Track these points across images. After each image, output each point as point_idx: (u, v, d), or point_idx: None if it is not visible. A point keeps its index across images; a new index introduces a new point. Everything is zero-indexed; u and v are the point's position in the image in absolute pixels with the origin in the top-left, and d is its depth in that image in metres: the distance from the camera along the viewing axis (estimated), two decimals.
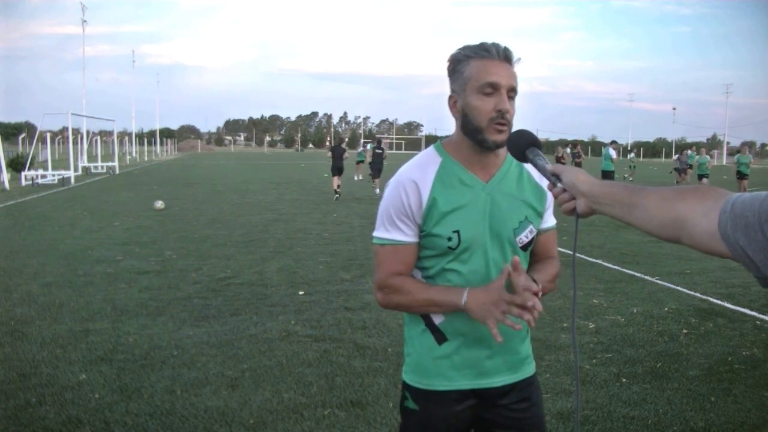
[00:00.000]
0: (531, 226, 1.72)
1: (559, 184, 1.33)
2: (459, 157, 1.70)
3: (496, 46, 1.64)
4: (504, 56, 1.63)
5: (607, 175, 19.72)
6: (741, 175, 20.00)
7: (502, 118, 1.60)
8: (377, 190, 19.18)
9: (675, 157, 35.68)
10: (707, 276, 7.41)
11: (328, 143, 23.31)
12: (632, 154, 37.67)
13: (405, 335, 1.82)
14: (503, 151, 1.72)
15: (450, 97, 1.69)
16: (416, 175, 1.68)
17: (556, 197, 1.34)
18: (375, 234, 1.74)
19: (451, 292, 1.64)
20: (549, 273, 1.78)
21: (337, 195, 17.48)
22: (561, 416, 3.64)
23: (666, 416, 3.67)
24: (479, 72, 1.61)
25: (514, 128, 1.59)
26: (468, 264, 1.67)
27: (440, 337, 1.71)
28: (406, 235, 1.69)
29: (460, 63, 1.66)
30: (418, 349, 1.75)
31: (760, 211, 0.93)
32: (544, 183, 1.76)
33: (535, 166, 1.47)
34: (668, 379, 4.23)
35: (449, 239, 1.65)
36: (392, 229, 1.70)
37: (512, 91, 1.63)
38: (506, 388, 1.75)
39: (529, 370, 1.80)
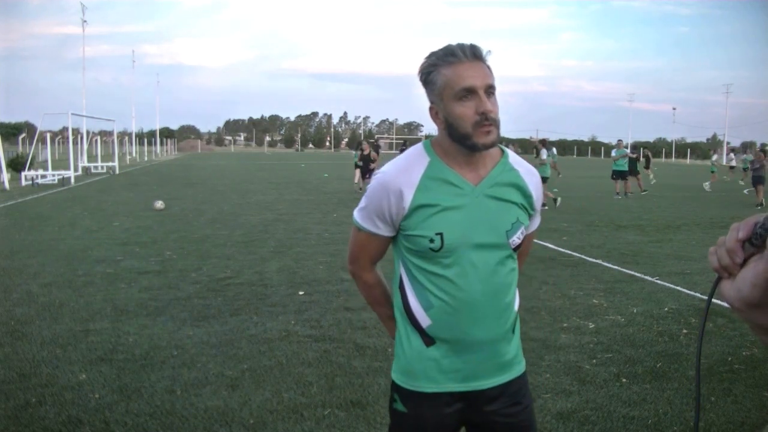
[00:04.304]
0: (522, 228, 1.72)
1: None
2: (447, 158, 1.68)
3: (461, 47, 1.60)
4: (472, 55, 1.59)
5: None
6: (618, 175, 19.52)
7: (487, 119, 1.58)
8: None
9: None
10: (707, 276, 7.40)
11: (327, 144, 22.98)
12: (746, 155, 28.46)
13: (396, 334, 1.82)
14: (495, 153, 1.71)
15: (431, 108, 1.67)
16: (402, 180, 1.66)
17: (732, 252, 0.82)
18: (355, 214, 1.78)
19: (390, 328, 1.86)
20: None
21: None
22: (561, 416, 3.64)
23: (666, 416, 3.67)
24: (452, 79, 1.58)
25: (503, 130, 1.57)
26: (451, 268, 1.65)
27: (428, 340, 1.71)
28: (379, 229, 1.72)
29: (430, 73, 1.63)
30: (407, 350, 1.74)
31: None
32: (532, 185, 1.75)
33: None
34: (668, 379, 4.23)
35: (431, 241, 1.63)
36: (368, 222, 1.73)
37: (490, 88, 1.60)
38: (495, 392, 1.74)
39: (518, 370, 1.79)
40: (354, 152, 22.57)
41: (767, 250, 0.77)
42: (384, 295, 1.86)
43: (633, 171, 21.58)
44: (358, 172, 19.36)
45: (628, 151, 20.74)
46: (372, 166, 18.03)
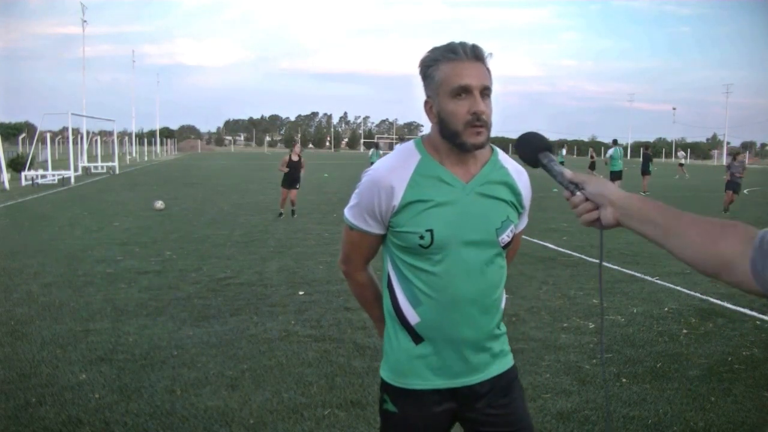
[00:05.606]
0: (512, 226, 1.73)
1: (578, 193, 1.27)
2: (438, 156, 1.68)
3: (463, 45, 1.60)
4: (473, 55, 1.60)
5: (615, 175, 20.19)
6: (615, 176, 20.06)
7: (478, 120, 1.58)
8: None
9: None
10: (707, 276, 7.40)
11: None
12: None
13: (384, 333, 1.82)
14: (485, 151, 1.71)
15: (426, 102, 1.68)
16: (393, 177, 1.66)
17: (575, 206, 1.27)
18: (346, 213, 1.77)
19: (381, 329, 1.85)
20: None
21: None
22: (561, 416, 3.64)
23: (666, 416, 3.67)
24: (449, 75, 1.59)
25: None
26: (440, 265, 1.66)
27: (417, 337, 1.71)
28: (371, 227, 1.72)
29: (430, 67, 1.63)
30: (396, 348, 1.75)
31: None
32: (522, 183, 1.77)
33: (550, 172, 1.38)
34: (668, 379, 4.23)
35: (421, 237, 1.64)
36: (359, 220, 1.73)
37: (486, 90, 1.60)
38: (484, 387, 1.74)
39: (505, 363, 1.79)
40: (371, 151, 20.93)
41: (604, 207, 1.24)
42: (376, 295, 1.87)
43: (645, 171, 21.76)
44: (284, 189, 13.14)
45: (612, 151, 21.26)
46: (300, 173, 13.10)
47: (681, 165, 38.48)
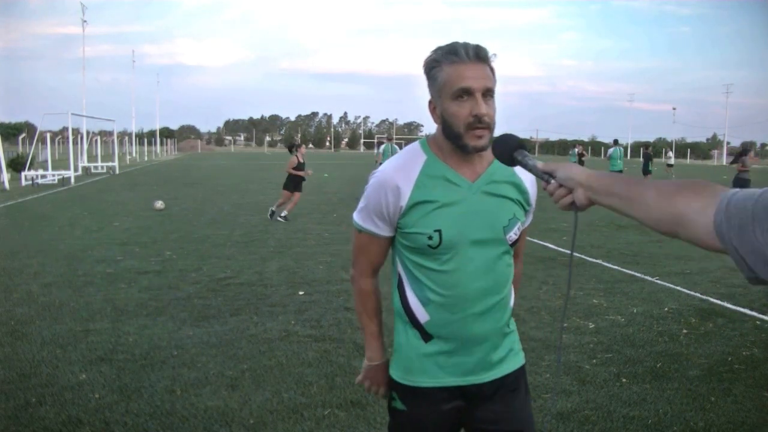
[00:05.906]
0: (519, 224, 1.74)
1: (552, 181, 1.33)
2: (444, 156, 1.69)
3: (465, 47, 1.60)
4: (475, 56, 1.59)
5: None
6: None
7: (480, 122, 1.59)
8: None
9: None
10: (707, 276, 7.41)
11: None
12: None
13: (394, 328, 1.82)
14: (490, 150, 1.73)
15: (429, 103, 1.69)
16: (399, 178, 1.67)
17: (552, 194, 1.33)
18: (354, 216, 1.78)
19: (371, 347, 1.86)
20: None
21: None
22: (561, 416, 3.64)
23: (666, 416, 3.67)
24: (451, 78, 1.59)
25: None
26: (449, 264, 1.67)
27: (426, 335, 1.72)
28: (380, 229, 1.73)
29: (433, 69, 1.64)
30: (405, 347, 1.76)
31: (753, 210, 0.95)
32: (528, 181, 1.78)
33: (525, 167, 1.45)
34: (668, 379, 4.23)
35: (430, 238, 1.65)
36: (368, 222, 1.74)
37: (488, 92, 1.60)
38: (493, 386, 1.75)
39: (515, 362, 1.80)
40: (376, 151, 20.78)
41: (575, 190, 1.27)
42: (376, 309, 1.85)
43: (646, 170, 21.78)
44: (286, 191, 12.74)
45: (612, 151, 21.22)
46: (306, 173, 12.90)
47: (670, 166, 39.16)
